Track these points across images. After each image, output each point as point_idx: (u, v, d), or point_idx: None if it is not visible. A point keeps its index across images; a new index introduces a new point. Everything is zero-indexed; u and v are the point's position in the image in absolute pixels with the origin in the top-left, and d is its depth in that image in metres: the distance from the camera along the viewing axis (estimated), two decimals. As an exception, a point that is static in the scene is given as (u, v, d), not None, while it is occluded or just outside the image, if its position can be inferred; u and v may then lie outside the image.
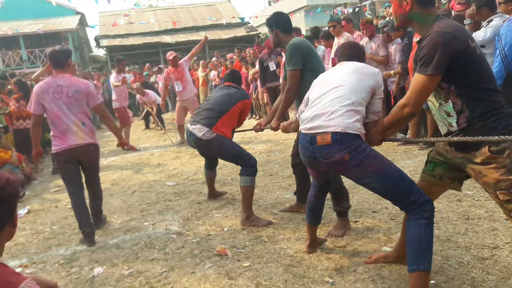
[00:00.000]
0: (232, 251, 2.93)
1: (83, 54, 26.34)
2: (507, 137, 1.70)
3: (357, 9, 12.27)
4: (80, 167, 3.56)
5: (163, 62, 21.52)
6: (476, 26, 4.27)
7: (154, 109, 9.90)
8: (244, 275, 2.57)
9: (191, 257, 2.92)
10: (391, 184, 2.14)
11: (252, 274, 2.57)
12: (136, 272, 2.79)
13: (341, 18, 7.28)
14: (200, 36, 23.33)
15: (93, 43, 28.72)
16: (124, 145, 3.97)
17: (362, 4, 12.30)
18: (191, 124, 3.68)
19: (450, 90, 1.86)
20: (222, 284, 2.50)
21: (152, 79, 14.79)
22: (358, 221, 3.19)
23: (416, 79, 1.89)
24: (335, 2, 20.20)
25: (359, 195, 3.75)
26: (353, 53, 2.58)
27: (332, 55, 5.91)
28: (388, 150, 5.44)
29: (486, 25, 4.10)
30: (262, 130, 3.71)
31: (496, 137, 1.72)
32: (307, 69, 3.04)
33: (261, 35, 22.92)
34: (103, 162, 6.88)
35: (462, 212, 3.19)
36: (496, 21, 4.01)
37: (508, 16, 3.90)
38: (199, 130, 3.56)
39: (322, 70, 3.03)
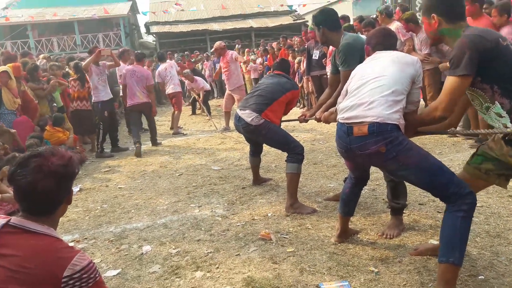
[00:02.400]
0: (276, 236, 2.99)
1: (133, 40, 27.16)
2: None
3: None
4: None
5: (210, 49, 21.84)
6: None
7: (201, 96, 10.12)
8: (288, 260, 2.62)
9: (236, 239, 3.02)
10: (428, 176, 2.11)
11: (296, 260, 2.62)
12: (183, 251, 2.92)
13: (388, 6, 7.05)
14: (247, 23, 23.42)
15: (143, 29, 29.59)
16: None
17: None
18: (240, 109, 3.74)
19: (493, 91, 1.83)
20: (267, 267, 2.57)
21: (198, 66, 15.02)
22: (404, 213, 3.14)
23: (448, 82, 1.90)
24: (385, -11, 19.54)
25: (407, 187, 3.68)
26: (388, 41, 2.54)
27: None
28: (437, 142, 5.28)
29: None
30: (306, 121, 3.71)
31: None
32: None
33: (307, 23, 22.67)
34: (151, 147, 7.18)
35: (515, 208, 3.07)
36: None
37: None
38: (249, 115, 3.62)
39: None
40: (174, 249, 2.96)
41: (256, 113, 3.59)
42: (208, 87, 10.51)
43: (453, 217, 2.02)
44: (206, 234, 3.18)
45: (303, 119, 3.69)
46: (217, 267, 2.63)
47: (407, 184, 2.81)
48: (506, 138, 1.94)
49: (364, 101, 2.24)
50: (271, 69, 4.37)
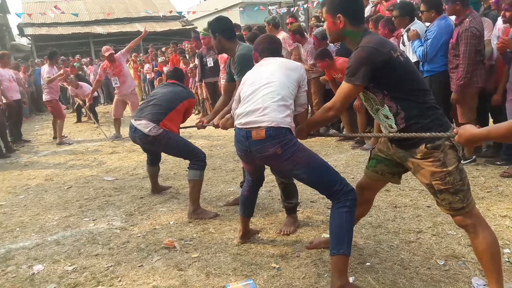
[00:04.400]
0: (180, 243, 2.98)
1: (4, 43, 24.21)
2: (438, 134, 1.92)
3: (291, 10, 12.66)
4: None
5: (94, 53, 20.56)
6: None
7: (87, 103, 9.47)
8: (194, 266, 2.64)
9: (138, 251, 2.92)
10: (317, 175, 2.33)
11: (201, 264, 2.64)
12: (80, 267, 2.73)
13: (275, 17, 7.50)
14: (133, 27, 22.57)
15: (15, 31, 26.54)
16: None
17: (296, 6, 12.71)
18: (135, 120, 3.62)
19: (384, 96, 2.05)
20: (172, 275, 2.55)
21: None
22: (298, 211, 3.38)
23: (344, 87, 2.09)
24: (269, 1, 20.64)
25: (298, 187, 3.96)
26: (274, 47, 2.73)
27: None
28: (322, 144, 5.77)
29: (406, 34, 4.57)
30: (204, 127, 3.75)
31: (428, 134, 1.94)
32: None
33: (197, 29, 22.76)
34: (33, 157, 6.53)
35: (390, 201, 3.52)
36: (419, 29, 4.45)
37: (428, 23, 4.33)
38: (145, 126, 3.52)
39: None
40: (70, 266, 2.76)
41: (154, 123, 3.51)
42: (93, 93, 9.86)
43: (339, 212, 2.25)
44: (104, 248, 3.02)
45: (200, 125, 3.72)
46: (120, 281, 2.53)
47: (298, 184, 3.04)
48: (391, 139, 2.20)
49: (258, 107, 2.38)
50: (165, 78, 4.31)
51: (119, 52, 7.59)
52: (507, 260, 2.43)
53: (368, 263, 2.52)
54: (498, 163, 4.18)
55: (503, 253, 2.50)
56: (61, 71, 8.37)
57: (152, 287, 2.42)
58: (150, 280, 2.50)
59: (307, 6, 12.57)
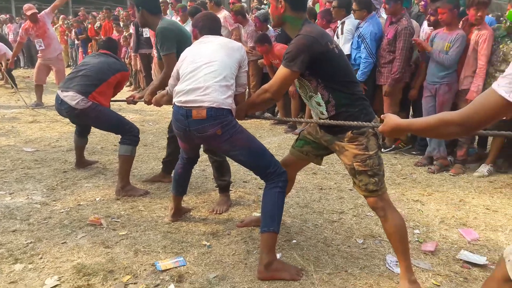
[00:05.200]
0: (107, 220, 2.88)
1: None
2: (364, 123, 2.06)
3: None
4: None
5: (14, 10, 18.67)
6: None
7: (3, 65, 8.62)
8: (122, 243, 2.58)
9: (61, 227, 2.79)
10: (253, 157, 2.41)
11: (129, 242, 2.59)
12: (-5, 244, 2.55)
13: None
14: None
15: None
16: None
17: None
18: (62, 91, 3.37)
19: (318, 84, 2.15)
20: (98, 252, 2.47)
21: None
22: (231, 190, 3.43)
23: (281, 71, 2.15)
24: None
25: (232, 167, 4.01)
26: (214, 25, 2.72)
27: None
28: (257, 127, 5.86)
29: (341, 26, 4.75)
30: (135, 103, 3.60)
31: (355, 123, 2.07)
32: (182, 49, 2.91)
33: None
34: None
35: (316, 183, 3.70)
36: (349, 25, 4.66)
37: (360, 20, 4.55)
38: (72, 98, 3.29)
39: None
40: (-18, 243, 2.56)
41: (82, 95, 3.29)
42: (10, 55, 9.00)
43: (271, 192, 2.35)
44: (23, 223, 2.83)
45: (131, 100, 3.58)
46: (41, 258, 2.40)
47: (232, 163, 3.08)
48: (321, 124, 2.30)
49: (199, 86, 2.36)
50: (97, 48, 4.04)
51: (43, 12, 6.94)
52: (417, 240, 2.70)
53: (294, 241, 2.65)
54: (413, 153, 4.56)
55: (413, 233, 2.77)
56: None
57: (76, 264, 2.33)
58: (74, 258, 2.41)
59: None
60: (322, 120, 2.22)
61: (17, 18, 14.04)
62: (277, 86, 2.20)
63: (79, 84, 3.34)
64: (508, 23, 3.64)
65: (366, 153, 2.10)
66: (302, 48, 2.05)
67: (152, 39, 6.65)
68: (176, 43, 3.07)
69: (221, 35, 2.77)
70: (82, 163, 4.04)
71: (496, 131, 2.22)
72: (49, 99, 7.35)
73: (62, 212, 3.03)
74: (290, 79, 2.18)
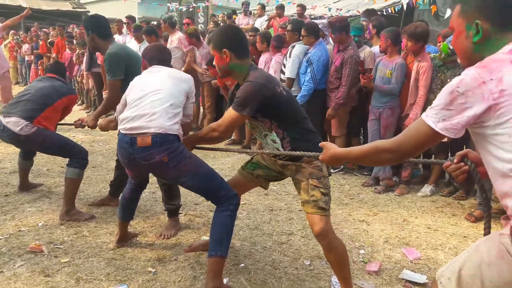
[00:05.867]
0: (48, 247, 2.77)
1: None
2: (306, 153, 2.14)
3: (190, 9, 12.59)
4: None
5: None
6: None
7: None
8: (63, 271, 2.48)
9: (-3, 255, 2.65)
10: (203, 183, 2.42)
11: (71, 270, 2.50)
12: None
13: (172, 16, 7.45)
14: (15, 1, 20.09)
15: None
16: None
17: (196, 5, 12.70)
18: (4, 116, 3.22)
19: (271, 124, 2.24)
20: (37, 282, 2.36)
21: None
22: (181, 213, 3.40)
23: (231, 114, 2.23)
24: (170, -5, 20.22)
25: (182, 189, 3.97)
26: (163, 57, 2.77)
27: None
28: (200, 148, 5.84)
29: (290, 49, 4.91)
30: (83, 126, 3.52)
31: (298, 152, 2.16)
32: (131, 73, 2.99)
33: (89, 13, 21.17)
34: None
35: (268, 204, 3.75)
36: (298, 50, 4.82)
37: (308, 46, 4.74)
38: (15, 124, 3.15)
39: None
40: None
41: (26, 120, 3.16)
42: None
43: (221, 216, 2.36)
44: (-46, 253, 2.67)
45: (79, 124, 3.49)
46: (-29, 290, 2.27)
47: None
48: (277, 157, 2.37)
49: (146, 112, 2.36)
50: (44, 72, 3.93)
51: None
52: (362, 260, 2.78)
53: (242, 264, 2.66)
54: (365, 173, 4.72)
55: (359, 253, 2.86)
56: None
57: (11, 295, 2.21)
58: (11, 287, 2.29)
59: (206, 5, 12.62)
60: (268, 151, 2.31)
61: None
62: (226, 127, 2.28)
63: (22, 109, 3.21)
64: (443, 55, 3.92)
65: (321, 173, 2.20)
66: (251, 94, 2.14)
67: (100, 61, 6.59)
68: (124, 68, 3.10)
69: (170, 66, 2.82)
70: (26, 186, 3.87)
71: (426, 159, 2.38)
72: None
73: (1, 239, 2.88)
74: (238, 122, 2.29)
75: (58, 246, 2.79)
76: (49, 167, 4.63)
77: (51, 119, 3.35)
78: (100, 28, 3.21)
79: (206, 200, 3.62)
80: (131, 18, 8.35)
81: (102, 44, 3.22)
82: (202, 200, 3.75)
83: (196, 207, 3.64)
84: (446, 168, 1.51)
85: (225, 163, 5.10)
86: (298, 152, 2.15)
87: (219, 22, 10.09)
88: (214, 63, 2.32)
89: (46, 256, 2.66)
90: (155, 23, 8.55)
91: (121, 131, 2.41)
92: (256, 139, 2.55)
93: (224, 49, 2.21)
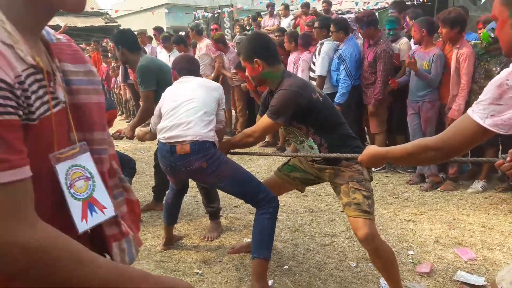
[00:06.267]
0: (98, 251, 2.86)
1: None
2: (344, 155, 2.11)
3: (216, 15, 12.74)
4: None
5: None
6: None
7: None
8: (113, 274, 2.55)
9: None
10: (241, 187, 2.45)
11: (121, 273, 2.56)
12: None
13: (198, 23, 7.59)
14: (53, 21, 20.98)
15: None
16: None
17: (221, 11, 12.83)
18: None
19: (308, 130, 2.22)
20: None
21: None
22: (222, 216, 3.43)
23: (265, 121, 2.23)
24: (195, 3, 20.58)
25: (222, 192, 4.01)
26: (192, 67, 2.84)
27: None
28: (246, 150, 5.87)
29: (319, 47, 4.84)
30: (121, 138, 3.63)
31: (334, 154, 2.13)
32: (162, 85, 3.07)
33: (120, 27, 21.86)
34: None
35: (307, 206, 3.72)
36: (327, 46, 4.76)
37: (338, 42, 4.68)
38: None
39: None
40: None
41: None
42: None
43: (261, 219, 2.38)
44: None
45: (117, 136, 3.60)
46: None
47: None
48: (314, 161, 2.36)
49: (182, 121, 2.43)
50: None
51: None
52: (411, 261, 2.68)
53: (286, 266, 2.64)
54: (409, 170, 4.57)
55: (407, 254, 2.76)
56: None
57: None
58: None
59: (231, 10, 12.73)
60: (303, 154, 2.28)
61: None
62: (260, 133, 2.31)
63: None
64: (484, 44, 3.74)
65: (362, 176, 2.15)
66: (285, 103, 2.13)
67: (132, 77, 6.84)
68: (155, 79, 3.20)
69: (199, 75, 2.88)
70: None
71: (475, 158, 2.26)
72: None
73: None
74: (273, 129, 2.33)
75: (106, 251, 2.87)
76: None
77: None
78: (129, 43, 3.36)
79: (245, 203, 3.69)
80: (158, 30, 8.58)
81: (132, 57, 3.36)
82: (241, 202, 3.76)
83: (236, 210, 3.66)
84: (499, 166, 1.41)
85: (261, 165, 5.10)
86: (334, 154, 2.12)
87: (245, 25, 10.16)
88: (247, 73, 2.32)
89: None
90: (183, 33, 8.71)
91: (160, 140, 2.48)
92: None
93: (255, 59, 2.20)
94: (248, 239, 2.99)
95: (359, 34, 4.89)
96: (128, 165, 3.46)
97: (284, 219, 3.38)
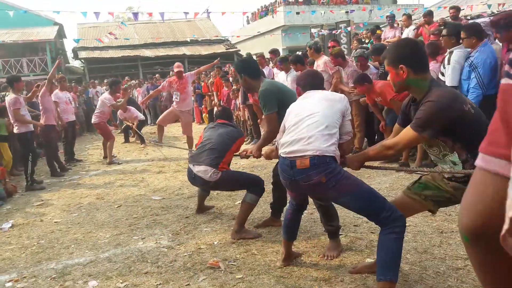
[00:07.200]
0: (224, 263, 3.06)
1: (60, 65, 26.00)
2: None
3: (333, 31, 12.77)
4: None
5: (142, 75, 21.55)
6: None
7: (135, 124, 9.93)
8: (238, 287, 2.70)
9: (184, 270, 3.03)
10: (363, 203, 2.37)
11: (245, 285, 2.71)
12: (131, 285, 2.87)
13: (317, 41, 7.67)
14: (179, 51, 23.52)
15: (70, 54, 28.41)
16: None
17: (338, 28, 12.82)
18: (194, 165, 3.72)
19: (454, 144, 2.09)
20: (218, 295, 2.62)
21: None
22: (341, 234, 3.37)
23: (409, 134, 2.13)
24: (311, 22, 20.91)
25: (341, 210, 3.90)
26: (315, 82, 2.86)
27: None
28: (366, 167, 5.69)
29: (448, 56, 4.50)
30: (247, 157, 3.81)
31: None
32: (282, 106, 3.17)
33: (240, 52, 23.33)
34: (85, 176, 6.92)
35: (436, 226, 3.44)
36: (457, 55, 4.41)
37: (470, 49, 4.29)
38: (205, 172, 3.62)
39: (295, 98, 3.22)
40: (121, 283, 2.91)
41: (213, 167, 3.61)
42: (142, 116, 10.38)
43: (387, 238, 2.28)
44: (153, 266, 3.15)
45: (244, 155, 3.81)
46: (168, 299, 2.64)
47: (340, 207, 3.05)
48: (452, 178, 2.21)
49: (303, 136, 2.47)
50: (214, 118, 4.43)
51: (188, 72, 8.22)
52: None
53: (414, 290, 2.48)
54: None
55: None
56: (123, 100, 8.86)
57: (198, 306, 2.50)
58: (196, 299, 2.59)
59: (351, 28, 12.66)
60: (431, 169, 2.15)
61: (145, 82, 16.14)
62: (403, 146, 2.23)
63: (209, 157, 3.66)
64: None
65: None
66: (434, 116, 2.03)
67: (251, 100, 7.46)
68: (277, 101, 3.31)
69: (323, 88, 2.91)
70: (201, 209, 4.39)
71: None
72: (168, 139, 8.21)
73: (185, 255, 3.30)
74: (417, 142, 2.21)
75: (232, 263, 3.06)
76: (219, 192, 5.14)
77: (229, 161, 3.81)
78: (250, 70, 3.53)
79: (366, 222, 3.59)
80: (274, 53, 8.95)
81: (254, 84, 3.52)
82: (361, 221, 3.66)
83: (356, 229, 3.56)
84: None
85: (382, 182, 4.89)
86: (471, 170, 1.95)
87: (363, 39, 9.98)
88: (388, 78, 2.27)
89: (223, 271, 2.94)
90: (299, 52, 8.93)
91: (281, 155, 2.57)
92: (430, 156, 2.34)
93: (401, 65, 2.14)
94: (370, 260, 2.89)
95: (495, 40, 4.45)
96: (258, 186, 3.66)
97: (410, 240, 3.18)
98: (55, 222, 4.54)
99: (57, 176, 7.06)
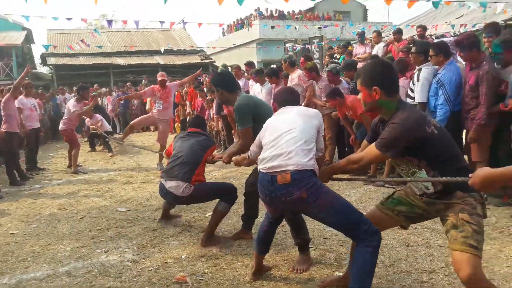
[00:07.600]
0: (191, 278, 2.96)
1: (29, 73, 25.20)
2: (454, 178, 1.98)
3: (306, 46, 12.99)
4: None
5: (112, 83, 21.13)
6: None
7: (101, 130, 9.67)
8: (204, 302, 2.62)
9: (149, 285, 2.92)
10: (343, 217, 2.38)
11: (212, 301, 2.63)
12: (91, 300, 2.74)
13: (291, 55, 7.78)
14: (153, 60, 23.26)
15: (37, 60, 27.60)
16: None
17: (310, 43, 13.08)
18: (166, 180, 3.64)
19: (419, 162, 2.13)
20: (182, 311, 2.53)
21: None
22: (311, 247, 3.34)
23: (373, 151, 2.18)
24: (285, 37, 21.24)
25: (310, 222, 3.91)
26: (291, 98, 2.89)
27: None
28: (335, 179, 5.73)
29: (417, 73, 4.63)
30: (213, 162, 3.81)
31: (444, 178, 2.01)
32: (258, 120, 3.14)
33: (215, 63, 23.35)
34: (47, 186, 6.65)
35: (403, 239, 3.47)
36: (425, 72, 4.54)
37: (437, 66, 4.43)
38: (177, 188, 3.55)
39: (271, 112, 3.26)
40: (81, 299, 2.76)
41: (185, 182, 3.55)
42: (108, 127, 10.16)
43: (364, 252, 2.28)
44: (116, 281, 3.02)
45: (210, 160, 3.78)
46: (130, 315, 2.52)
47: (310, 220, 3.04)
48: (423, 195, 2.25)
49: (282, 152, 2.46)
50: (187, 125, 4.38)
51: (173, 83, 8.18)
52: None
53: (381, 304, 2.47)
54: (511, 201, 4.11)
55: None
56: (88, 107, 8.46)
57: (162, 322, 2.40)
58: (160, 316, 2.49)
59: (323, 43, 12.93)
60: (399, 179, 2.20)
61: (116, 90, 15.83)
62: (367, 161, 2.28)
63: (180, 172, 3.58)
64: None
65: (474, 210, 2.01)
66: (397, 137, 2.07)
67: (226, 111, 7.48)
68: (251, 116, 3.29)
69: (299, 104, 2.93)
70: (166, 216, 4.31)
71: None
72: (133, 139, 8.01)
73: (151, 269, 3.18)
74: (380, 160, 2.30)
75: (199, 278, 2.97)
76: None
77: (201, 172, 3.74)
78: (227, 84, 3.51)
79: (336, 235, 3.58)
80: (249, 65, 9.04)
81: (230, 97, 3.50)
82: (331, 234, 3.66)
83: (326, 241, 3.55)
84: None
85: (351, 195, 4.92)
86: (443, 178, 1.98)
87: (334, 54, 10.18)
88: (359, 97, 2.29)
89: (189, 287, 2.85)
90: (274, 65, 9.01)
91: (261, 170, 2.54)
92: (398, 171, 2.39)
93: (375, 87, 2.16)
94: (339, 273, 2.87)
95: (459, 58, 4.61)
96: (230, 194, 3.64)
97: (378, 253, 3.18)
98: (10, 233, 4.29)
99: (16, 185, 6.73)
